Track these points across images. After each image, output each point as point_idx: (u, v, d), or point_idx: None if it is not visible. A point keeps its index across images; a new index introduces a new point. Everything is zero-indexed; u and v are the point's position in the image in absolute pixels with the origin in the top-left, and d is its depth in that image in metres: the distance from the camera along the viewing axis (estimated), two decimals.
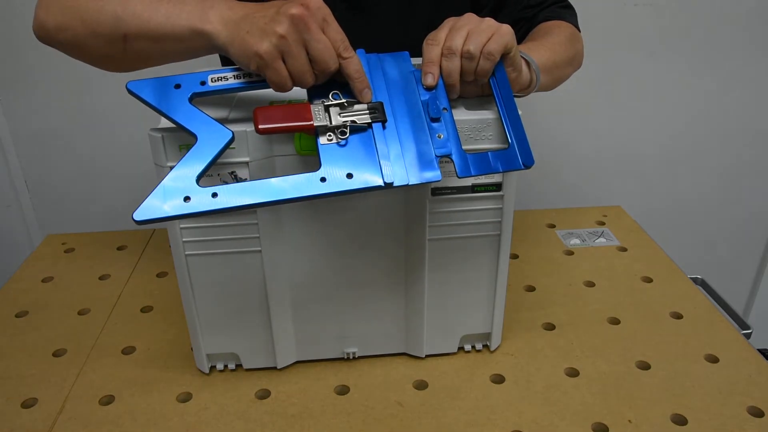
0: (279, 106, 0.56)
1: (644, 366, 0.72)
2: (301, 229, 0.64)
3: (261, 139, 0.59)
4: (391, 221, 0.65)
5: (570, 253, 0.95)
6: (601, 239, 0.98)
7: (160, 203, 0.52)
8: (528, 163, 0.58)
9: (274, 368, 0.71)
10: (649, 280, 0.88)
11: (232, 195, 0.52)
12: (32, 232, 1.41)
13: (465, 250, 0.67)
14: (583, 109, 1.38)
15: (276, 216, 0.63)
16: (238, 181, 0.60)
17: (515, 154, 0.58)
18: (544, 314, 0.81)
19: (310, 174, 0.54)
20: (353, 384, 0.69)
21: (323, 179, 0.54)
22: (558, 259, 0.93)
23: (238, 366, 0.72)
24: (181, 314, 0.69)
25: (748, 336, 0.79)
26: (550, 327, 0.78)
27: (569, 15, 0.82)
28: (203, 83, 0.57)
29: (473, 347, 0.74)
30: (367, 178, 0.54)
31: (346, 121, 0.55)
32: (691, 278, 0.89)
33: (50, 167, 1.34)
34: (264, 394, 0.68)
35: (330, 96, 0.56)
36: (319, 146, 0.55)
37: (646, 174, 1.46)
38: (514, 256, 0.93)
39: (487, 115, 0.61)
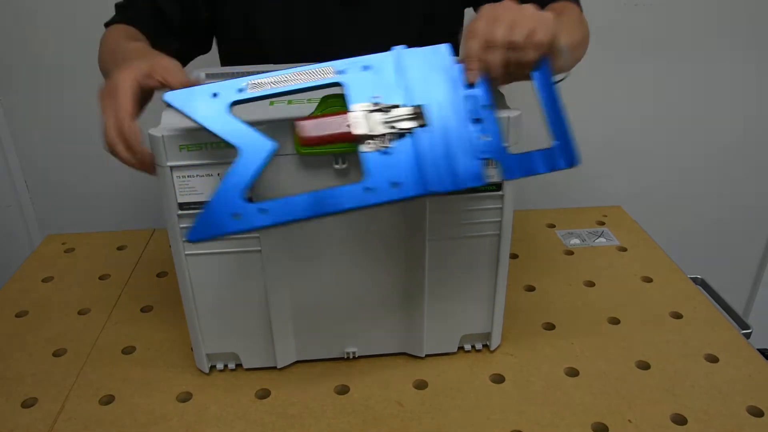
0: (319, 116, 0.54)
1: (644, 366, 0.72)
2: (301, 229, 0.64)
3: None
4: (391, 221, 0.65)
5: (570, 252, 0.95)
6: (601, 239, 0.98)
7: (210, 222, 0.52)
8: (573, 162, 0.56)
9: (274, 368, 0.71)
10: (649, 280, 0.88)
11: (280, 210, 0.52)
12: (32, 232, 1.41)
13: (465, 250, 0.67)
14: (583, 108, 1.38)
15: None
16: None
17: (559, 153, 0.56)
18: (544, 314, 0.81)
19: (354, 185, 0.53)
20: (353, 384, 0.69)
21: (368, 189, 0.52)
22: (558, 259, 0.93)
23: (238, 366, 0.72)
24: (181, 314, 0.69)
25: (748, 336, 0.79)
26: (550, 327, 0.78)
27: None
28: (241, 90, 0.55)
29: (473, 347, 0.74)
30: (412, 186, 0.53)
31: (388, 127, 0.54)
32: (691, 278, 0.89)
33: (50, 167, 1.34)
34: (264, 394, 0.68)
35: (370, 101, 0.54)
36: (361, 155, 0.53)
37: (646, 174, 1.46)
38: (514, 256, 0.93)
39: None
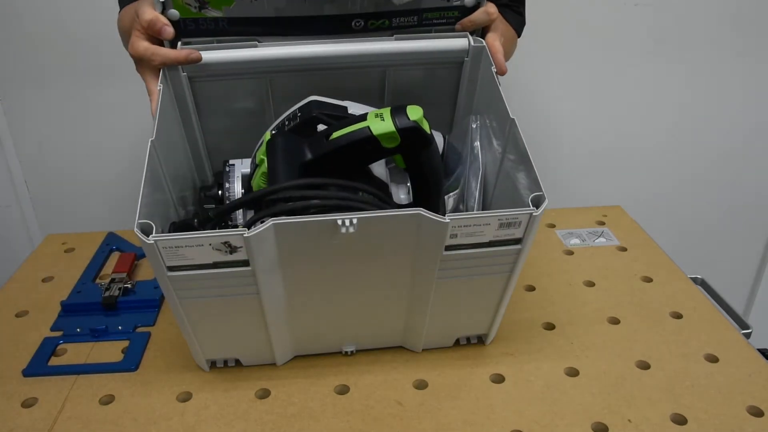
0: None
1: (644, 366, 0.72)
2: (303, 239, 0.63)
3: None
4: (399, 251, 0.62)
5: (570, 252, 0.95)
6: (601, 239, 0.98)
7: None
8: None
9: (274, 365, 0.71)
10: (649, 279, 0.88)
11: None
12: (32, 232, 1.42)
13: (474, 282, 0.65)
14: (583, 108, 1.38)
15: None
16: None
17: None
18: (544, 314, 0.81)
19: None
20: (353, 383, 0.69)
21: None
22: (558, 259, 0.93)
23: (238, 363, 0.72)
24: None
25: (748, 336, 0.79)
26: (549, 326, 0.78)
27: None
28: None
29: (467, 340, 0.74)
30: None
31: None
32: (691, 278, 0.89)
33: (50, 167, 1.34)
34: (264, 394, 0.68)
35: None
36: None
37: (646, 173, 1.46)
38: None
39: None
